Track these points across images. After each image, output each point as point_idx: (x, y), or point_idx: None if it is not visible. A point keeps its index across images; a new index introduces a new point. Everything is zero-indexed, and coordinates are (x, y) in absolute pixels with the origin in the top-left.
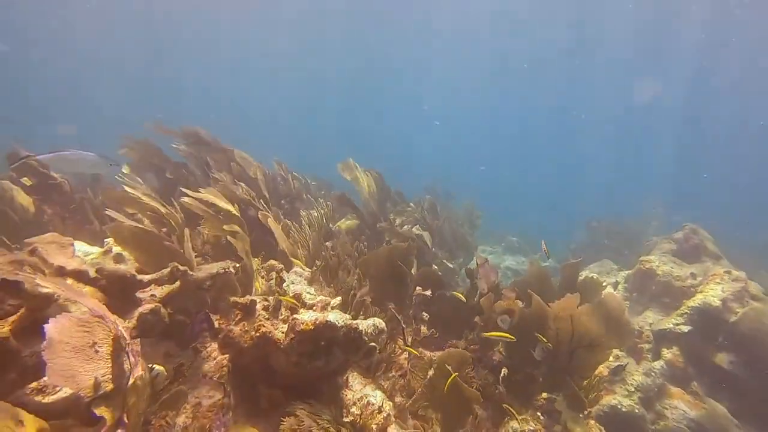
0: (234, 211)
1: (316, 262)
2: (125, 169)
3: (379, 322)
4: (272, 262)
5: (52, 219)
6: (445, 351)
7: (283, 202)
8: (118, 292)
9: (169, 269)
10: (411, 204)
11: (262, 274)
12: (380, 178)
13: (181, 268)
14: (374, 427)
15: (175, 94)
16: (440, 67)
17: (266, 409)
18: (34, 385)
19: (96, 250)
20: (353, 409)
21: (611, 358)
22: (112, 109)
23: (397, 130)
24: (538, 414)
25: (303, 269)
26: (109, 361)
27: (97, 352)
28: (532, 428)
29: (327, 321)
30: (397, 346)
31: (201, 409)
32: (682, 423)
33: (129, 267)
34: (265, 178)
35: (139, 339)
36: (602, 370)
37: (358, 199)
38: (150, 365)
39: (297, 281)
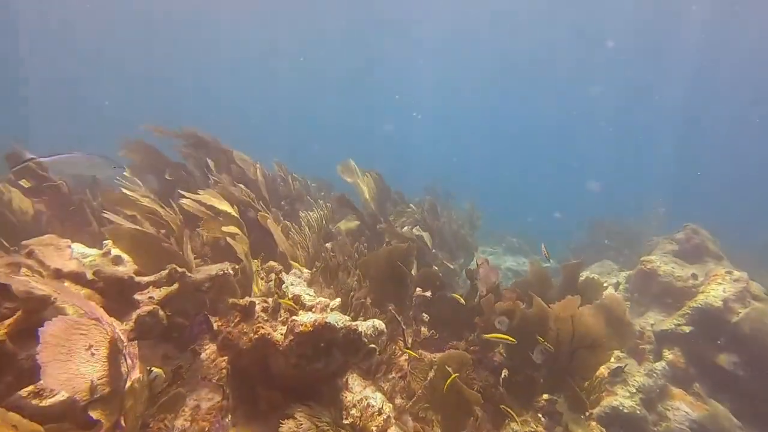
0: (233, 213)
1: (316, 263)
2: (126, 172)
3: (379, 324)
4: (272, 263)
5: (50, 221)
6: (445, 352)
7: (283, 203)
8: (115, 295)
9: (167, 271)
10: (411, 205)
11: (262, 275)
12: (380, 179)
13: (180, 269)
14: (374, 429)
15: (174, 94)
16: (440, 67)
17: (265, 411)
18: (30, 388)
19: (94, 252)
20: (353, 411)
21: (612, 359)
22: (111, 109)
23: (396, 131)
24: (539, 415)
25: (302, 271)
26: (106, 363)
27: (93, 354)
28: (532, 430)
29: (326, 322)
30: (397, 348)
31: (200, 411)
32: (684, 424)
33: (128, 269)
34: (265, 179)
35: (136, 341)
36: (603, 371)
37: (359, 200)
38: (148, 368)
39: (296, 283)
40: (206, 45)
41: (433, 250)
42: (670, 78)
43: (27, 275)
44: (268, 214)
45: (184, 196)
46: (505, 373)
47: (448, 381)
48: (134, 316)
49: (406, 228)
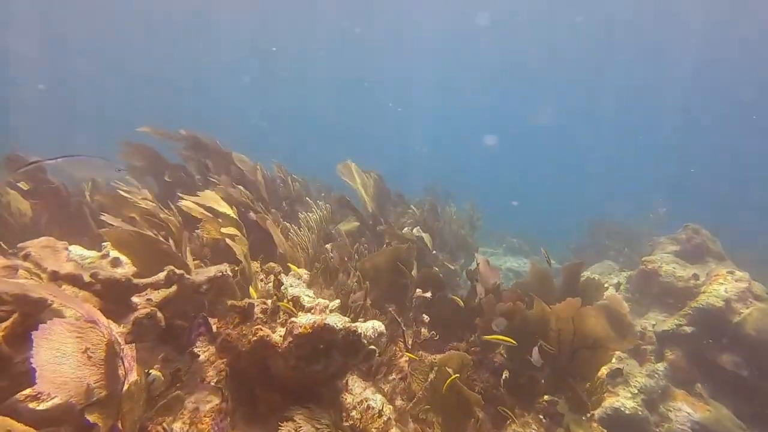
0: (232, 214)
1: (316, 264)
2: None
3: (379, 325)
4: (271, 264)
5: (49, 223)
6: (446, 354)
7: (283, 204)
8: (113, 297)
9: (165, 273)
10: (411, 206)
11: (261, 277)
12: (380, 180)
13: (178, 271)
14: (374, 431)
15: (174, 94)
16: (441, 67)
17: (265, 413)
18: (27, 391)
19: (93, 254)
20: (353, 413)
21: (614, 360)
22: (111, 109)
23: (396, 131)
24: (540, 417)
25: (300, 272)
26: (103, 366)
27: (89, 357)
28: (533, 431)
29: (325, 324)
30: (397, 349)
31: (198, 414)
32: (687, 425)
33: (126, 271)
34: (264, 180)
35: (134, 344)
36: (605, 371)
37: (359, 201)
38: (146, 370)
39: (296, 284)
40: (205, 45)
41: (434, 251)
42: (670, 78)
43: (26, 278)
44: (267, 216)
45: (183, 198)
46: (506, 374)
47: (447, 382)
48: (132, 318)
49: (406, 229)
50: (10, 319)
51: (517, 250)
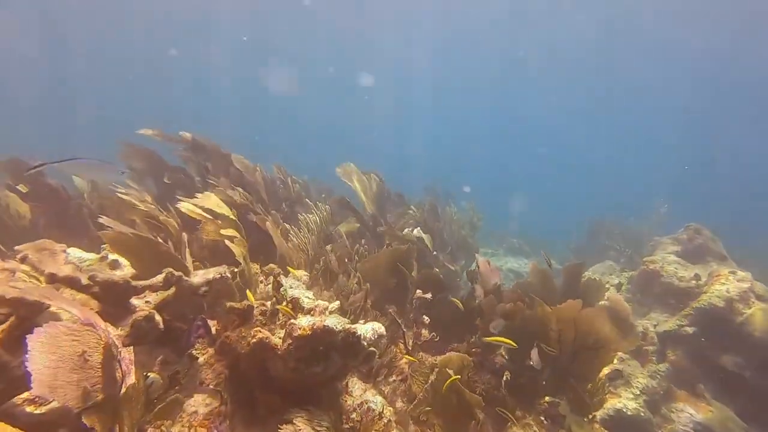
0: (231, 216)
1: (316, 265)
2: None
3: (379, 327)
4: (271, 266)
5: (48, 226)
6: (446, 355)
7: (282, 205)
8: (111, 299)
9: (163, 275)
10: (412, 206)
11: (261, 278)
12: (380, 181)
13: (176, 273)
14: None
15: (172, 95)
16: (441, 66)
17: (264, 416)
18: (25, 395)
19: (92, 256)
20: (353, 416)
21: (615, 361)
22: (111, 109)
23: (396, 132)
24: (542, 418)
25: (300, 274)
26: (100, 369)
27: (86, 361)
28: None
29: (324, 326)
30: (398, 351)
31: (197, 417)
32: (689, 426)
33: (125, 273)
34: (264, 182)
35: (132, 346)
36: (605, 372)
37: (359, 202)
38: (145, 373)
39: (295, 285)
40: (205, 45)
41: (434, 252)
42: (671, 78)
43: (24, 280)
44: (267, 217)
45: (181, 200)
46: (507, 375)
47: (447, 383)
48: (130, 320)
49: (406, 230)
50: (7, 323)
51: (518, 251)
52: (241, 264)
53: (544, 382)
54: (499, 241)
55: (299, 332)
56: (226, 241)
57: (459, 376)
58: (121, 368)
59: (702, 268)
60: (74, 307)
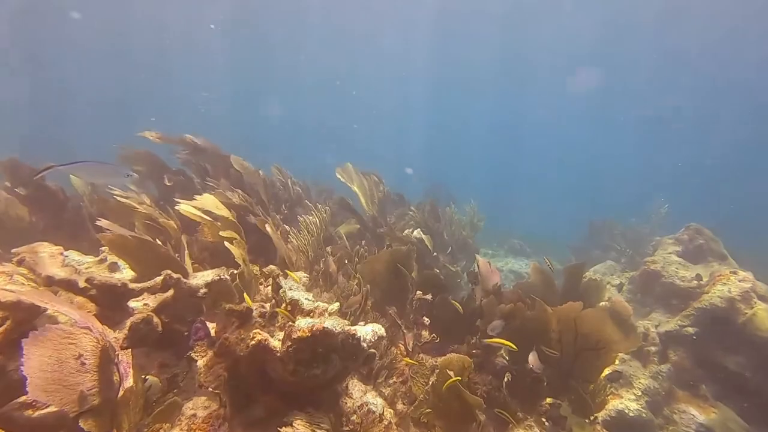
0: (230, 217)
1: (315, 267)
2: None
3: (379, 328)
4: (271, 267)
5: (46, 228)
6: (446, 356)
7: (283, 207)
8: (109, 302)
9: (161, 277)
10: (412, 207)
11: (261, 280)
12: (380, 182)
13: (174, 275)
14: None
15: (172, 95)
16: (440, 66)
17: (264, 418)
18: (22, 399)
19: (90, 259)
20: (353, 418)
21: (617, 362)
22: (109, 109)
23: (397, 131)
24: (543, 420)
25: (300, 276)
26: (97, 373)
27: (83, 364)
28: None
29: (324, 327)
30: (398, 352)
31: (196, 420)
32: (692, 428)
33: (125, 275)
34: (264, 183)
35: (130, 349)
36: (606, 372)
37: (359, 203)
38: (143, 376)
39: (294, 287)
40: (204, 46)
41: (434, 253)
42: (672, 78)
43: (22, 283)
44: (267, 219)
45: (180, 202)
46: (508, 376)
47: (447, 383)
48: (128, 323)
49: (407, 231)
50: (3, 326)
51: (519, 251)
52: (240, 266)
53: (545, 384)
54: (500, 242)
55: (298, 334)
56: (226, 243)
57: (460, 378)
58: (118, 371)
59: (703, 269)
60: (71, 310)
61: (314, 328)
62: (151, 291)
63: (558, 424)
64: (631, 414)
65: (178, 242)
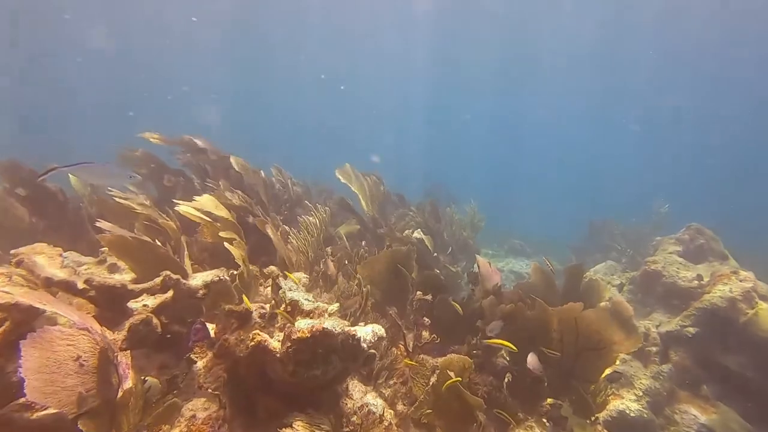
0: (230, 218)
1: (315, 268)
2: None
3: (379, 329)
4: (271, 268)
5: (46, 230)
6: (447, 357)
7: (282, 208)
8: (108, 303)
9: (160, 278)
10: (412, 207)
11: (261, 281)
12: (380, 182)
13: (174, 276)
14: None
15: (172, 96)
16: (440, 66)
17: (263, 420)
18: (22, 400)
19: (89, 260)
20: (353, 419)
21: (618, 362)
22: (109, 109)
23: (397, 132)
24: (544, 420)
25: (299, 276)
26: (95, 374)
27: (81, 366)
28: None
29: (323, 328)
30: (398, 353)
31: (196, 422)
32: (693, 428)
33: (124, 276)
34: (264, 184)
35: (130, 351)
36: (606, 374)
37: (359, 203)
38: (143, 377)
39: (294, 288)
40: (203, 45)
41: (435, 254)
42: (672, 78)
43: (22, 284)
44: (266, 219)
45: (179, 204)
46: (508, 377)
47: (446, 384)
48: (127, 324)
49: (407, 231)
50: (2, 328)
51: (520, 252)
52: (240, 266)
53: (546, 384)
54: (500, 242)
55: (298, 335)
56: (225, 244)
57: (460, 378)
58: (117, 373)
59: (704, 268)
60: (70, 312)
61: (314, 329)
62: (151, 292)
63: (559, 424)
64: (632, 414)
65: (177, 243)
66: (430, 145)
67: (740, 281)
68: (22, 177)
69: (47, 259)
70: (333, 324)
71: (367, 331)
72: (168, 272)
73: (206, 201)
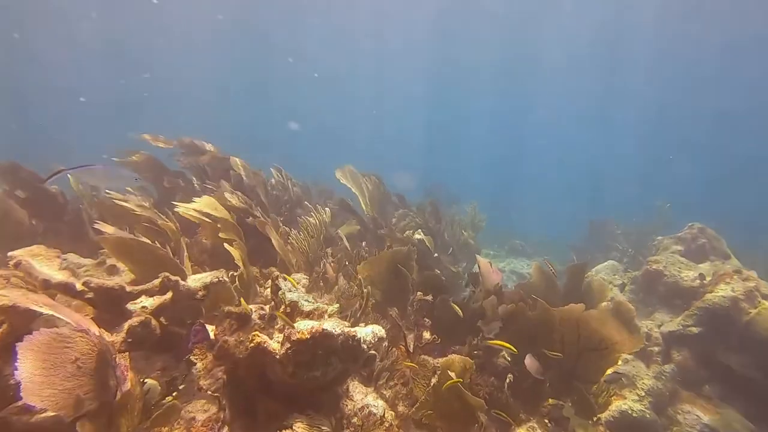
0: (229, 219)
1: (316, 268)
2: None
3: (379, 330)
4: (271, 269)
5: (46, 232)
6: (448, 357)
7: (283, 208)
8: (106, 305)
9: (159, 280)
10: (413, 208)
11: (260, 282)
12: (380, 183)
13: (172, 278)
14: None
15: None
16: (440, 65)
17: (263, 421)
18: (20, 403)
19: (88, 261)
20: (354, 420)
21: (619, 362)
22: (110, 110)
23: (397, 131)
24: (546, 421)
25: (299, 277)
26: (93, 377)
27: (79, 368)
28: None
29: (323, 329)
30: (399, 353)
31: (195, 424)
32: (696, 428)
33: (124, 278)
34: (264, 185)
35: (128, 353)
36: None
37: (360, 204)
38: (142, 379)
39: (294, 289)
40: (204, 45)
41: (435, 254)
42: (672, 78)
43: (20, 287)
44: (266, 220)
45: (178, 205)
46: (509, 377)
47: (446, 384)
48: (125, 326)
49: (408, 232)
50: (0, 330)
51: (521, 252)
52: (240, 268)
53: (547, 384)
54: (501, 242)
55: (297, 336)
56: (225, 245)
57: (461, 379)
58: (116, 375)
59: (706, 268)
60: (68, 314)
61: (314, 330)
62: (150, 293)
63: (561, 425)
64: (634, 414)
65: (177, 244)
66: (431, 145)
67: (743, 280)
68: (22, 179)
69: (45, 261)
70: (333, 325)
71: (367, 332)
72: (167, 273)
73: (206, 202)
